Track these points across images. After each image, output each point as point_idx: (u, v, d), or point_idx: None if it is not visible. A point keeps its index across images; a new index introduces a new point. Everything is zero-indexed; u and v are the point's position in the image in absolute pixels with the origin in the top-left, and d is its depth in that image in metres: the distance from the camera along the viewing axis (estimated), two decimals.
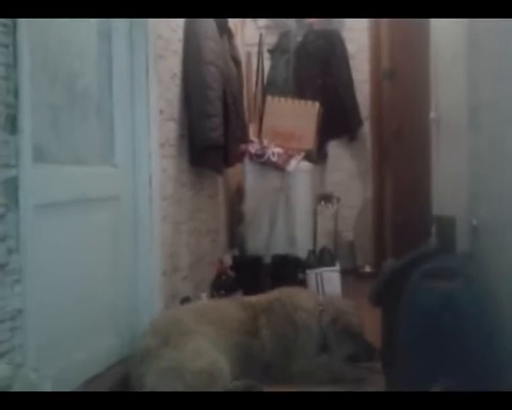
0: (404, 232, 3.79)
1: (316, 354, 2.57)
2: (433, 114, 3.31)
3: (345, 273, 4.02)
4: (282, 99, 4.53)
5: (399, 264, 2.27)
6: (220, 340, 2.41)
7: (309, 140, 4.34)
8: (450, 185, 2.94)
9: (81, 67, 2.37)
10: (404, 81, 4.44)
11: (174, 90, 3.13)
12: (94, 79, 2.47)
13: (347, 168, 5.12)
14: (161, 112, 2.90)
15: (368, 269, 4.78)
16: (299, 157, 4.14)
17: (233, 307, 2.67)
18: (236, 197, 4.38)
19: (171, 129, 3.09)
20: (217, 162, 3.42)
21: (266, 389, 2.37)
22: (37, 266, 1.98)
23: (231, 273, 3.57)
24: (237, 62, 3.84)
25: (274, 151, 4.11)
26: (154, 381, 2.15)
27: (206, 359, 2.27)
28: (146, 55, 2.72)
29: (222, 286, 3.34)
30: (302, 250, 3.90)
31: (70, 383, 2.17)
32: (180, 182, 3.21)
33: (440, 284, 1.92)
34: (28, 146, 1.83)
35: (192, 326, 2.41)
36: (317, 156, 4.54)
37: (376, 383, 2.42)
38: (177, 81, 3.18)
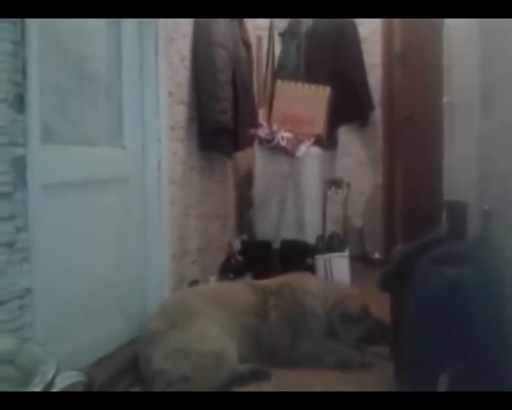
0: (414, 218, 3.76)
1: (323, 338, 2.56)
2: (446, 99, 3.26)
3: (354, 260, 4.00)
4: (293, 83, 4.48)
5: (409, 249, 2.24)
6: (228, 322, 2.41)
7: (319, 125, 4.29)
8: (462, 170, 2.89)
9: (90, 50, 2.36)
10: (417, 66, 4.37)
11: (183, 73, 3.11)
12: (103, 61, 2.46)
13: (357, 154, 5.07)
14: (171, 94, 2.89)
15: (377, 256, 4.75)
16: (309, 142, 4.09)
17: (242, 289, 2.66)
18: (246, 182, 4.35)
19: (181, 112, 3.07)
20: (226, 146, 3.40)
21: (272, 372, 2.38)
22: (45, 245, 1.98)
23: (240, 258, 3.57)
24: (248, 46, 3.81)
25: (283, 136, 4.07)
26: (161, 362, 2.16)
27: (213, 341, 2.28)
28: (156, 37, 2.70)
29: (230, 270, 3.34)
30: (311, 236, 3.87)
31: (79, 363, 2.18)
32: (189, 165, 3.20)
33: (450, 269, 1.88)
34: (36, 125, 1.83)
35: (200, 308, 2.42)
36: (327, 142, 4.49)
37: (385, 368, 2.41)
38: (187, 64, 3.15)
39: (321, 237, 3.86)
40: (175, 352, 2.19)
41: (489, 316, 1.76)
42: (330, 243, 3.81)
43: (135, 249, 2.64)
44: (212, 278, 3.29)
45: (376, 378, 2.39)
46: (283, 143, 4.04)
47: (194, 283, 3.09)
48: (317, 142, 4.15)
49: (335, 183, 4.39)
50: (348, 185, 4.51)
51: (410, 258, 2.14)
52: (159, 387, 2.13)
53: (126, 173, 2.58)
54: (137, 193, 2.66)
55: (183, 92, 3.10)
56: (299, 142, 4.07)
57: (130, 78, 2.59)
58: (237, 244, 3.75)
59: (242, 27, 3.70)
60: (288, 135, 4.08)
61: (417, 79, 4.30)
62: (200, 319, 2.36)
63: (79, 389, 1.27)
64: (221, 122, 3.18)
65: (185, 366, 2.15)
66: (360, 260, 4.53)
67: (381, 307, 2.60)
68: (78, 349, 2.19)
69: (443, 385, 1.76)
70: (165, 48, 2.77)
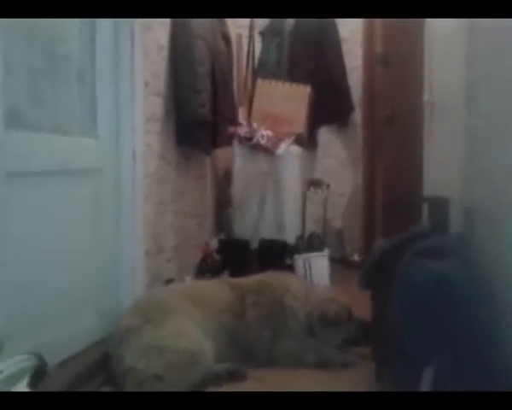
0: (394, 213, 3.72)
1: (302, 338, 2.48)
2: (426, 97, 3.23)
3: (333, 262, 3.94)
4: (273, 82, 4.43)
5: (390, 244, 2.18)
6: (204, 320, 2.32)
7: (299, 124, 4.24)
8: (444, 170, 2.86)
9: (62, 31, 2.24)
10: (398, 65, 4.35)
11: (160, 64, 3.02)
12: (75, 45, 2.34)
13: (338, 155, 5.02)
14: (147, 85, 2.79)
15: (356, 258, 4.70)
16: (289, 141, 4.04)
17: (219, 287, 2.58)
18: (224, 181, 4.27)
19: (157, 104, 2.98)
20: (204, 141, 3.31)
21: (250, 372, 2.29)
22: (10, 236, 1.88)
23: (217, 257, 3.48)
24: (227, 39, 3.74)
25: (263, 134, 4.00)
26: (133, 360, 2.06)
27: (188, 338, 2.19)
28: (131, 23, 2.60)
29: (207, 270, 3.25)
30: (290, 236, 3.81)
31: (48, 360, 2.07)
32: (165, 160, 3.10)
33: (434, 263, 1.83)
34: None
35: (175, 306, 2.33)
36: (308, 142, 4.44)
37: (366, 368, 2.34)
38: (164, 54, 3.06)
39: (300, 237, 3.79)
40: (148, 349, 2.10)
41: (474, 309, 1.71)
42: (310, 243, 3.74)
43: (107, 243, 2.53)
44: (188, 278, 3.19)
45: (357, 378, 2.33)
46: (263, 142, 3.97)
47: (169, 281, 2.99)
48: (298, 140, 4.10)
49: (315, 183, 4.33)
50: (328, 186, 4.45)
51: (391, 253, 2.09)
52: (130, 386, 2.03)
53: (99, 164, 2.47)
54: (111, 185, 2.56)
55: (160, 83, 3.01)
56: (280, 140, 4.01)
57: (103, 65, 2.48)
58: (214, 243, 3.66)
59: (222, 21, 3.63)
60: (268, 133, 4.02)
61: (398, 79, 4.28)
62: (175, 316, 2.27)
63: (31, 372, 1.18)
64: (199, 115, 3.09)
65: (158, 363, 2.06)
66: (339, 262, 4.48)
67: (360, 308, 2.54)
68: (45, 345, 2.07)
69: (427, 379, 1.70)
70: (141, 36, 2.67)
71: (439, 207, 2.24)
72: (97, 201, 2.45)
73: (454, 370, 1.70)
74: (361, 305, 2.56)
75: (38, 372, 1.22)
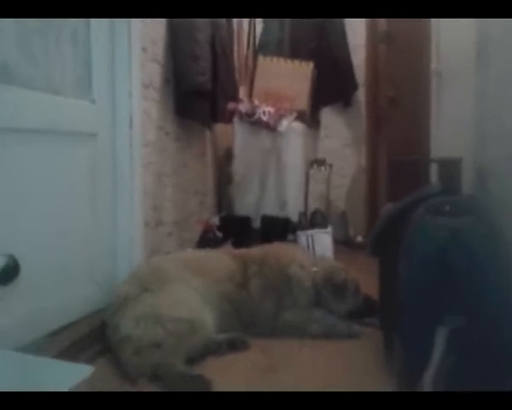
0: (400, 181, 3.60)
1: (308, 308, 2.39)
2: (434, 66, 3.14)
3: (336, 243, 3.84)
4: (275, 59, 4.32)
5: (400, 206, 2.07)
6: (205, 289, 2.23)
7: (302, 100, 4.14)
8: (453, 137, 2.77)
9: None
10: (402, 41, 4.26)
11: (159, 31, 2.92)
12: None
13: (341, 136, 4.92)
14: (144, 50, 2.69)
15: (360, 239, 4.60)
16: (291, 117, 3.93)
17: (220, 256, 2.49)
18: (225, 160, 4.17)
19: (155, 71, 2.88)
20: (203, 113, 3.21)
21: (253, 342, 2.20)
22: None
23: (218, 233, 3.39)
24: None
25: (265, 110, 3.89)
26: (130, 327, 1.96)
27: (188, 307, 2.10)
28: None
29: (208, 245, 3.15)
30: (293, 213, 3.71)
31: (41, 327, 1.99)
32: (164, 131, 3.00)
33: (448, 219, 1.73)
34: None
35: (175, 274, 2.23)
36: (310, 122, 4.34)
37: (373, 338, 2.25)
38: (163, 21, 2.96)
39: (303, 214, 3.69)
40: (146, 317, 2.00)
41: (489, 265, 1.61)
42: (313, 220, 3.64)
43: (105, 212, 2.44)
44: (189, 250, 3.09)
45: (364, 348, 2.24)
46: (265, 118, 3.87)
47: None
48: (300, 117, 3.99)
49: (318, 162, 4.23)
50: (331, 167, 4.36)
51: (401, 214, 1.98)
52: (125, 354, 1.93)
53: (95, 129, 2.38)
54: (107, 151, 2.46)
55: (158, 51, 2.91)
56: (281, 116, 3.91)
57: (99, 27, 2.38)
58: (215, 220, 3.56)
59: None
60: (269, 109, 3.91)
61: (403, 54, 4.19)
62: (174, 285, 2.18)
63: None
64: (198, 83, 2.99)
65: (156, 331, 1.95)
66: (343, 244, 4.38)
67: (365, 288, 2.48)
68: (39, 312, 1.99)
69: (440, 340, 1.61)
70: None
71: (451, 167, 2.14)
72: (93, 167, 2.35)
73: (467, 329, 1.60)
74: (366, 287, 2.49)
75: (8, 271, 1.15)
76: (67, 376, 1.21)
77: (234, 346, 2.15)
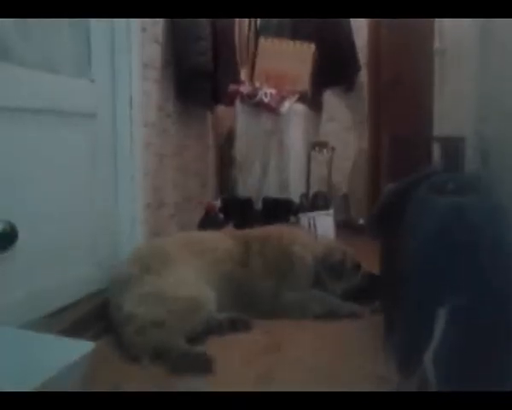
0: (401, 161, 3.59)
1: (309, 287, 2.39)
2: (437, 45, 3.11)
3: (338, 226, 3.82)
4: (276, 40, 4.28)
5: (401, 185, 2.06)
6: (206, 269, 2.23)
7: (304, 83, 4.10)
8: (456, 121, 2.75)
9: None
10: (404, 24, 4.20)
11: None
12: None
13: (343, 119, 4.87)
14: (144, 30, 2.66)
15: (362, 222, 4.59)
16: (293, 98, 3.90)
17: (221, 237, 2.49)
18: (227, 142, 4.14)
19: (155, 51, 2.85)
20: (204, 94, 3.18)
21: (254, 322, 2.20)
22: None
23: (220, 215, 3.38)
24: None
25: (267, 92, 3.87)
26: (133, 306, 1.97)
27: (189, 286, 2.10)
28: None
29: (210, 226, 3.14)
30: (295, 195, 3.70)
31: (42, 308, 1.99)
32: (165, 112, 2.98)
33: (451, 197, 1.71)
34: None
35: (176, 254, 2.23)
36: (312, 104, 4.30)
37: (373, 320, 2.25)
38: None
39: (305, 196, 3.68)
40: (148, 296, 2.00)
41: (495, 242, 1.60)
42: (314, 202, 3.63)
43: (105, 192, 2.43)
44: (191, 231, 3.08)
45: (365, 329, 2.24)
46: (266, 100, 3.84)
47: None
48: (302, 98, 3.96)
49: (320, 144, 4.20)
50: (333, 149, 4.33)
51: (402, 193, 1.97)
52: (128, 333, 1.93)
53: (95, 108, 2.36)
54: (107, 131, 2.44)
55: (158, 31, 2.88)
56: (283, 98, 3.88)
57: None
58: (217, 203, 3.55)
59: None
60: (271, 91, 3.88)
61: (405, 36, 4.15)
62: (176, 265, 2.17)
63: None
64: (199, 64, 2.96)
65: (158, 310, 1.95)
66: (345, 227, 4.36)
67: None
68: (40, 292, 1.99)
69: (442, 321, 1.60)
70: None
71: (453, 147, 2.12)
72: (93, 146, 2.34)
73: (471, 308, 1.59)
74: (367, 266, 2.48)
75: (5, 237, 1.15)
76: (68, 351, 1.21)
77: (235, 326, 2.14)
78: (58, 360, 1.18)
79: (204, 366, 1.80)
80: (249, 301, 2.29)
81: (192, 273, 2.17)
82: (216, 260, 2.29)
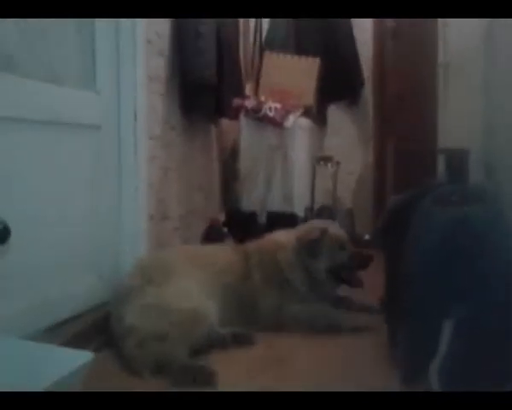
0: (406, 174, 3.58)
1: (307, 284, 2.38)
2: (441, 58, 3.12)
3: None
4: (281, 55, 4.30)
5: (405, 197, 2.05)
6: (208, 282, 2.21)
7: (308, 96, 4.11)
8: (460, 134, 2.74)
9: None
10: (408, 38, 4.23)
11: (164, 24, 2.90)
12: None
13: (347, 133, 4.88)
14: (149, 42, 2.68)
15: (367, 237, 4.56)
16: (298, 113, 3.90)
17: (222, 250, 2.49)
18: (231, 156, 4.15)
19: (161, 64, 2.87)
20: (208, 107, 3.19)
21: (257, 336, 2.18)
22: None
23: (224, 229, 3.37)
24: None
25: (271, 106, 3.87)
26: (134, 317, 1.95)
27: (191, 298, 2.07)
28: None
29: (213, 239, 3.13)
30: (299, 209, 3.68)
31: (43, 319, 1.98)
32: (170, 125, 2.99)
33: (455, 208, 1.70)
34: None
35: (178, 267, 2.21)
36: (317, 118, 4.31)
37: (378, 332, 2.22)
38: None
39: (309, 210, 3.66)
40: (150, 308, 1.98)
41: (499, 253, 1.58)
42: (319, 216, 3.61)
43: (108, 204, 2.43)
44: (193, 245, 3.07)
45: (369, 342, 2.21)
46: (271, 114, 3.84)
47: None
48: (307, 113, 3.96)
49: (325, 158, 4.20)
50: (338, 164, 4.33)
51: (407, 205, 1.96)
52: (129, 346, 1.91)
53: (99, 120, 2.37)
54: (111, 143, 2.45)
55: (164, 44, 2.90)
56: (288, 112, 3.88)
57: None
58: (221, 216, 3.54)
59: None
60: (275, 105, 3.89)
61: (410, 51, 4.17)
62: (178, 276, 2.15)
63: None
64: (204, 77, 2.97)
65: (160, 322, 1.93)
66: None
67: (375, 288, 2.39)
68: (41, 304, 1.98)
69: (447, 333, 1.58)
70: None
71: (458, 158, 2.11)
72: (97, 158, 2.34)
73: (475, 319, 1.57)
74: (375, 284, 2.45)
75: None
76: (67, 361, 1.20)
77: (238, 340, 2.12)
78: (57, 369, 1.17)
79: (206, 379, 1.77)
80: (252, 314, 2.27)
81: (194, 285, 2.16)
82: (217, 272, 2.28)
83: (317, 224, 2.65)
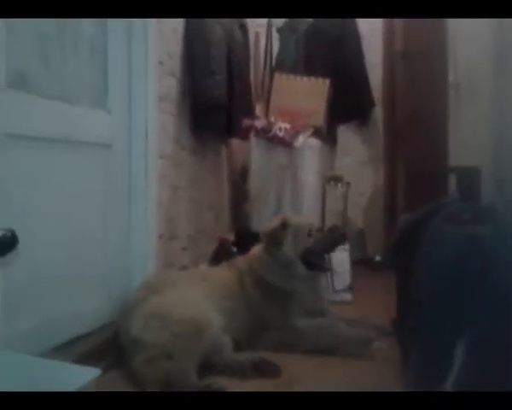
0: (417, 193, 3.55)
1: (282, 277, 2.44)
2: (451, 78, 3.11)
3: (354, 263, 3.77)
4: (291, 76, 4.32)
5: (417, 216, 2.03)
6: (208, 294, 2.23)
7: (318, 117, 4.12)
8: (471, 153, 2.72)
9: None
10: (419, 58, 4.24)
11: (175, 46, 2.94)
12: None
13: (357, 154, 4.88)
14: (161, 63, 2.72)
15: (378, 259, 4.52)
16: (308, 133, 3.91)
17: (218, 268, 2.59)
18: (241, 176, 4.15)
19: (172, 85, 2.90)
20: (219, 127, 3.21)
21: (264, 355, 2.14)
22: (8, 199, 1.78)
23: (233, 249, 3.36)
24: (245, 31, 3.66)
25: (281, 126, 3.88)
26: (138, 328, 1.97)
27: (193, 307, 2.09)
28: None
29: (222, 259, 3.11)
30: None
31: (51, 338, 1.97)
32: (180, 144, 3.01)
33: (466, 227, 1.68)
34: (1, 66, 1.66)
35: (181, 280, 2.29)
36: (327, 139, 4.32)
37: (390, 353, 2.19)
38: (179, 37, 2.99)
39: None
40: (152, 317, 2.00)
41: (510, 273, 1.56)
42: None
43: (118, 224, 2.43)
44: (202, 266, 3.06)
45: (380, 364, 2.18)
46: (281, 134, 3.85)
47: (183, 268, 2.87)
48: (316, 133, 3.97)
49: (335, 178, 4.19)
50: (348, 184, 4.32)
51: (418, 224, 1.94)
52: (137, 363, 1.90)
53: (110, 139, 2.39)
54: (122, 162, 2.47)
55: (175, 65, 2.93)
56: (298, 132, 3.89)
57: (116, 36, 2.41)
58: (231, 236, 3.53)
59: None
60: (285, 125, 3.90)
61: (419, 71, 4.17)
62: (180, 287, 2.21)
63: None
64: (214, 98, 3.00)
65: (163, 334, 1.92)
66: (361, 264, 4.30)
67: (384, 309, 2.39)
68: (51, 323, 1.98)
69: (460, 352, 1.55)
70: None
71: (469, 177, 2.09)
72: (107, 177, 2.36)
73: (488, 339, 1.54)
74: (386, 306, 2.42)
75: (5, 242, 1.17)
76: (75, 377, 1.19)
77: (261, 369, 2.05)
78: (64, 385, 1.16)
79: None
80: (255, 334, 2.27)
81: (196, 296, 2.18)
82: (216, 286, 2.32)
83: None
